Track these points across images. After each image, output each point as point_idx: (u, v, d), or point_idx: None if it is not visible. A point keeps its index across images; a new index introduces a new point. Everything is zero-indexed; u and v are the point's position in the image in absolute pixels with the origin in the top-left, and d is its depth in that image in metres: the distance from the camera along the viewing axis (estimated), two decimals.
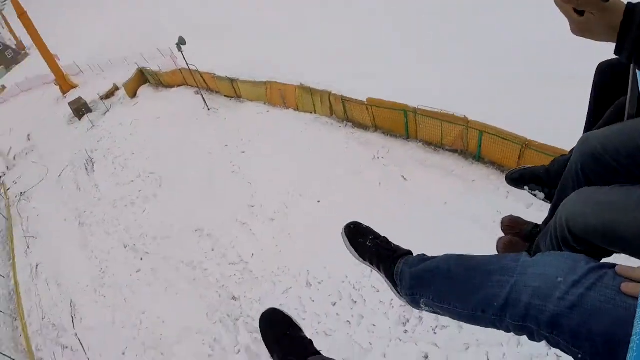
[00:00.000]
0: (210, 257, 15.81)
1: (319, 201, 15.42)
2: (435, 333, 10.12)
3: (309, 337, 1.64)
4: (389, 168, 15.49)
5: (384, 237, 1.74)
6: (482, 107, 13.46)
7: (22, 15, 35.48)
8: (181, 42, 21.56)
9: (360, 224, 1.79)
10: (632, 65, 1.36)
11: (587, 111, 1.75)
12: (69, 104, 32.32)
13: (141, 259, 17.32)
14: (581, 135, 1.46)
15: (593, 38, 1.12)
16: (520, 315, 1.08)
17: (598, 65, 1.61)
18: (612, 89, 1.61)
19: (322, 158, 17.21)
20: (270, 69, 22.88)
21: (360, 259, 1.73)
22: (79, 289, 18.14)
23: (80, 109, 31.10)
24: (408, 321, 10.65)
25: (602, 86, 1.67)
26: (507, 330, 1.16)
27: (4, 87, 56.76)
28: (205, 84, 25.42)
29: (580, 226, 1.20)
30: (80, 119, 31.12)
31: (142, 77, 30.61)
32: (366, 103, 16.79)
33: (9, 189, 29.32)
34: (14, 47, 79.36)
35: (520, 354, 8.98)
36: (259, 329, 1.69)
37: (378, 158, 16.27)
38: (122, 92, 31.30)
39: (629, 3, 1.05)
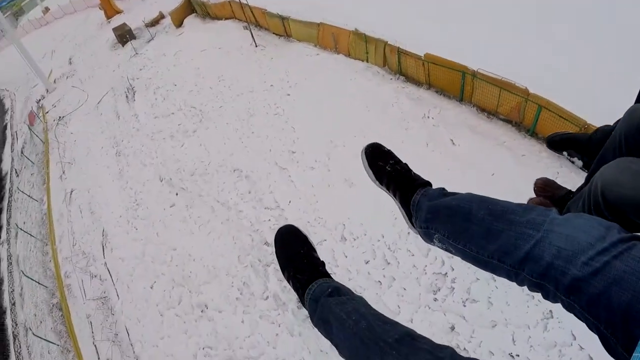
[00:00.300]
0: (247, 199, 14.97)
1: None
2: (464, 306, 9.65)
3: (321, 259, 1.63)
4: (438, 129, 14.32)
5: (405, 164, 1.66)
6: (546, 79, 12.34)
7: None
8: None
9: (382, 145, 1.72)
10: None
11: None
12: (113, 29, 31.38)
13: (176, 194, 16.64)
14: None
15: None
16: (539, 272, 1.03)
17: None
18: None
19: (369, 109, 16.05)
20: (323, 10, 21.46)
21: (377, 183, 1.67)
22: (112, 218, 17.74)
23: (124, 35, 30.15)
24: (439, 290, 10.13)
25: None
26: (521, 284, 1.12)
27: (47, 9, 56.31)
28: (254, 19, 24.01)
29: (615, 195, 1.14)
30: (123, 46, 30.23)
31: (190, 7, 29.25)
32: (423, 58, 15.43)
33: (47, 112, 29.04)
34: None
35: (545, 340, 8.58)
36: (273, 243, 1.67)
37: (428, 117, 15.06)
38: (167, 21, 30.05)
39: None
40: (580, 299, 0.94)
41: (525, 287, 1.11)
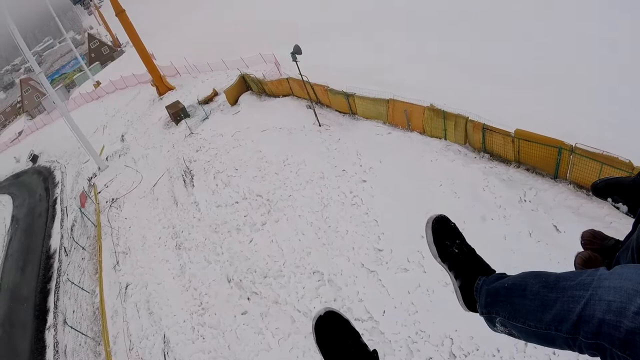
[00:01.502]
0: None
1: None
2: None
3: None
4: (538, 214, 12.76)
5: (470, 246, 1.63)
6: None
7: (120, 13, 35.22)
8: (296, 51, 19.32)
9: (449, 220, 1.63)
10: None
11: None
12: (167, 107, 31.13)
13: (248, 299, 14.91)
14: None
15: None
16: (593, 332, 0.99)
17: None
18: None
19: (458, 195, 14.50)
20: (389, 82, 20.35)
21: (439, 260, 1.63)
22: (174, 322, 16.11)
23: (177, 114, 29.75)
24: None
25: None
26: (581, 352, 1.08)
27: (99, 83, 58.09)
28: (315, 96, 23.05)
29: None
30: (177, 124, 29.75)
31: (244, 84, 28.74)
32: (513, 135, 14.21)
33: (99, 192, 28.36)
34: (109, 43, 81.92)
35: None
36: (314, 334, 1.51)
37: (525, 201, 13.50)
38: (222, 98, 29.56)
39: None
40: (637, 352, 0.88)
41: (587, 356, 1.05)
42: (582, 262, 1.67)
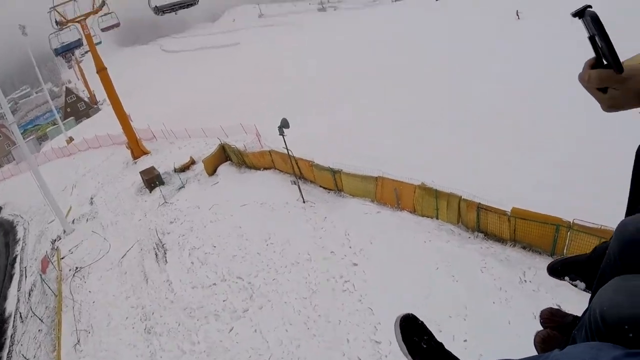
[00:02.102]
0: None
1: (465, 340, 11.96)
2: None
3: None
4: (540, 294, 12.60)
5: (438, 341, 1.64)
6: None
7: (102, 71, 34.75)
8: (284, 125, 19.12)
9: (416, 318, 1.65)
10: None
11: (628, 195, 1.53)
12: (141, 173, 30.12)
13: None
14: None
15: (624, 109, 1.17)
16: None
17: (637, 149, 1.40)
18: None
19: (456, 279, 14.12)
20: (376, 161, 20.14)
21: (409, 357, 1.60)
22: None
23: (152, 180, 28.72)
24: None
25: None
26: None
27: (71, 139, 56.84)
28: (299, 171, 22.59)
29: (614, 317, 1.10)
30: (151, 191, 28.64)
31: (223, 154, 28.18)
32: (509, 214, 14.26)
33: (63, 258, 26.57)
34: (86, 99, 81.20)
35: None
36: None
37: (525, 281, 13.39)
38: (199, 168, 28.79)
39: None
40: None
41: None
42: (541, 340, 1.67)
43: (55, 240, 29.41)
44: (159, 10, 24.37)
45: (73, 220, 30.98)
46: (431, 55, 38.20)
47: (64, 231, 29.56)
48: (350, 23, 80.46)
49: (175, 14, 20.15)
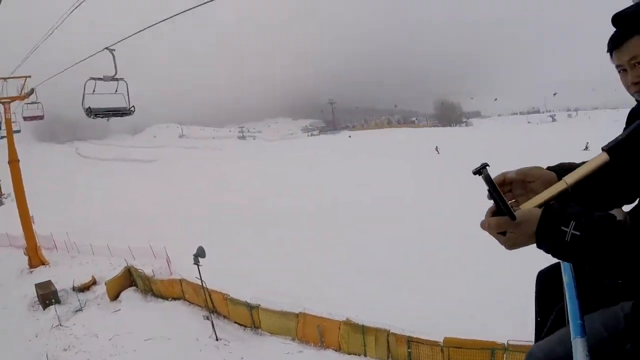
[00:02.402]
0: None
1: None
2: None
3: None
4: None
5: None
6: None
7: (13, 162, 33.73)
8: (200, 253, 19.61)
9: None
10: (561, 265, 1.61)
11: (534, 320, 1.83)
12: (36, 286, 28.04)
13: None
14: None
15: (523, 246, 1.29)
16: None
17: (537, 275, 1.70)
18: (552, 296, 1.74)
19: None
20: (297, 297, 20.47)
21: None
22: None
23: (47, 296, 26.77)
24: None
25: (543, 294, 1.85)
26: None
27: None
28: (211, 304, 22.34)
29: None
30: (44, 309, 26.56)
31: (129, 278, 27.38)
32: (442, 344, 14.69)
33: None
34: None
35: None
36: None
37: None
38: (101, 289, 27.38)
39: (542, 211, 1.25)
40: None
41: None
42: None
43: None
44: (92, 113, 23.87)
45: None
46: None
47: None
48: (270, 156, 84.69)
49: (108, 120, 20.77)
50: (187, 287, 23.82)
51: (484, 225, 1.31)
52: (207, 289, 21.35)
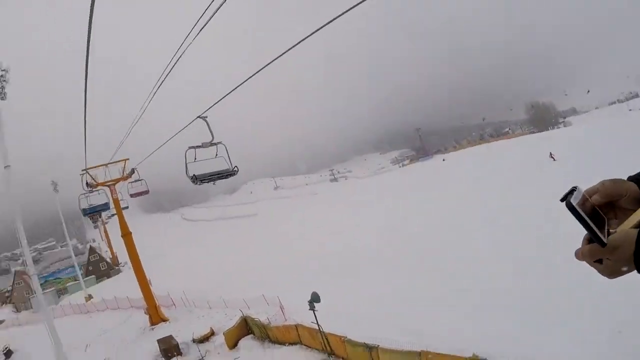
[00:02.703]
0: None
1: None
2: None
3: None
4: None
5: None
6: None
7: (127, 235, 35.81)
8: (315, 299, 18.82)
9: None
10: None
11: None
12: (158, 341, 29.14)
13: None
14: None
15: (624, 273, 1.19)
16: None
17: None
18: None
19: None
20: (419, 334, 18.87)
21: None
22: None
23: (170, 350, 27.65)
24: None
25: None
26: None
27: (90, 297, 56.67)
28: (329, 347, 21.49)
29: None
30: None
31: (245, 327, 27.44)
32: None
33: None
34: (108, 260, 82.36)
35: None
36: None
37: None
38: (219, 340, 27.76)
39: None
40: None
41: None
42: None
43: None
44: (198, 179, 24.82)
45: None
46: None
47: None
48: (361, 193, 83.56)
49: (214, 184, 21.05)
50: (303, 331, 23.24)
51: (579, 255, 1.25)
52: (322, 331, 20.61)
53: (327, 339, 21.36)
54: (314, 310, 18.91)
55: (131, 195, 36.32)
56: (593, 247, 1.18)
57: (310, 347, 23.18)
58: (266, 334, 25.84)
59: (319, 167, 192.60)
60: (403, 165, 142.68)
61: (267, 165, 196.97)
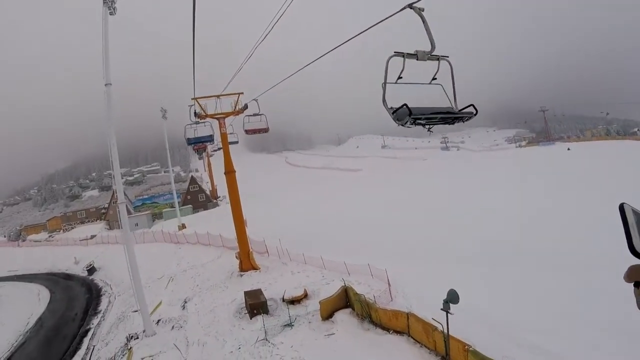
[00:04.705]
0: None
1: None
2: None
3: None
4: None
5: None
6: None
7: (230, 173, 32.98)
8: (452, 299, 14.25)
9: None
10: None
11: None
12: (246, 293, 26.26)
13: None
14: None
15: None
16: None
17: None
18: None
19: None
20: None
21: None
22: None
23: (257, 307, 24.54)
24: None
25: None
26: None
27: (184, 226, 56.47)
28: (445, 350, 17.05)
29: None
30: (251, 318, 24.37)
31: (344, 299, 23.44)
32: None
33: None
34: (207, 192, 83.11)
35: None
36: None
37: None
38: (313, 305, 24.12)
39: None
40: None
41: None
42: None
43: (131, 338, 25.80)
44: (409, 116, 19.84)
45: (158, 321, 27.43)
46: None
47: (144, 331, 25.88)
48: (478, 169, 76.10)
49: (430, 130, 16.12)
50: (415, 322, 18.90)
51: (624, 276, 1.22)
52: (444, 331, 16.24)
53: (446, 341, 16.91)
54: (447, 312, 14.46)
55: (246, 132, 32.81)
56: (633, 268, 1.13)
57: (419, 343, 18.86)
58: (368, 313, 21.75)
59: (428, 133, 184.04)
60: (520, 146, 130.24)
61: (374, 121, 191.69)
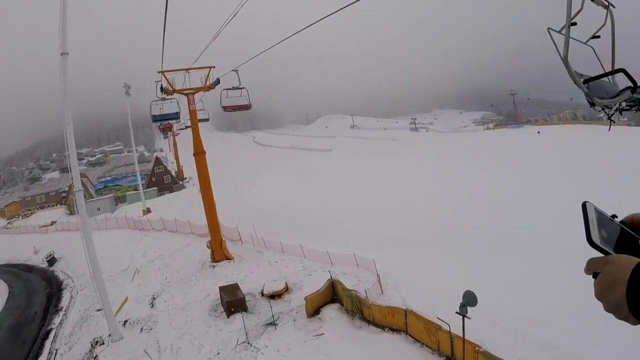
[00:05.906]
0: None
1: None
2: None
3: None
4: None
5: None
6: None
7: (200, 154, 30.30)
8: (469, 301, 12.45)
9: None
10: None
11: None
12: (221, 289, 23.86)
13: None
14: None
15: (611, 300, 1.07)
16: None
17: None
18: None
19: None
20: None
21: None
22: None
23: (234, 305, 22.26)
24: None
25: None
26: None
27: (148, 210, 53.55)
28: (450, 351, 15.42)
29: None
30: (228, 316, 22.12)
31: (331, 292, 21.49)
32: None
33: None
34: (173, 173, 79.52)
35: None
36: None
37: None
38: (296, 300, 22.07)
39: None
40: None
41: None
42: None
43: (96, 343, 23.15)
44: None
45: (125, 322, 24.83)
46: None
47: (110, 336, 23.29)
48: (449, 150, 75.31)
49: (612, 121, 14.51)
50: (415, 321, 17.18)
51: (584, 269, 1.18)
52: (449, 331, 14.56)
53: (452, 341, 15.32)
54: (464, 317, 12.66)
55: (224, 109, 29.85)
56: (594, 259, 1.13)
57: (419, 341, 17.15)
58: (359, 309, 19.85)
59: (397, 114, 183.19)
60: (487, 128, 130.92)
61: (342, 101, 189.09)
